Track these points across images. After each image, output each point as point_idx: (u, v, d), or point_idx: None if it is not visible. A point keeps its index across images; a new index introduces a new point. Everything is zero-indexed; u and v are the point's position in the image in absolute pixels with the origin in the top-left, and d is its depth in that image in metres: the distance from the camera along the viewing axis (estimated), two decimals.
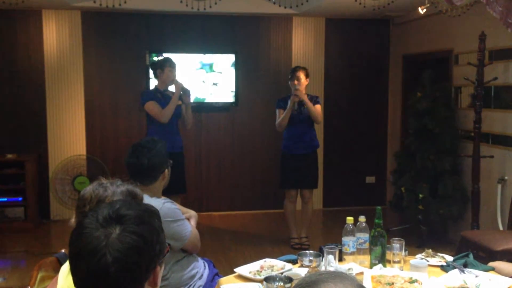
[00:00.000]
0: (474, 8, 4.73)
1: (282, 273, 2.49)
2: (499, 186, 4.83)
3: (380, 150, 7.31)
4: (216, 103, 6.68)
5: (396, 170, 5.93)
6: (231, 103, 6.73)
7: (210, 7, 4.77)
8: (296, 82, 5.11)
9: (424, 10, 4.90)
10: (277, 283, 2.33)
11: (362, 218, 2.80)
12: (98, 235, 1.13)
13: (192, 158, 6.80)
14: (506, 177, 4.82)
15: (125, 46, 6.56)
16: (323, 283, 0.84)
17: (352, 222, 2.77)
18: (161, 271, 1.23)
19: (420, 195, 5.32)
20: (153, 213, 1.24)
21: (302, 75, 5.11)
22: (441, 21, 5.79)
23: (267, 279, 2.36)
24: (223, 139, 6.91)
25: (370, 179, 7.34)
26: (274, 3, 5.62)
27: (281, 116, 5.17)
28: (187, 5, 4.65)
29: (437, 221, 5.38)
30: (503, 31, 4.40)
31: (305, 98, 5.07)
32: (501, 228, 4.68)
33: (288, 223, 5.45)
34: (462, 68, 5.44)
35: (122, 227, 1.15)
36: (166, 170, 2.67)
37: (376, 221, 2.68)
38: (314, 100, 5.20)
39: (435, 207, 5.29)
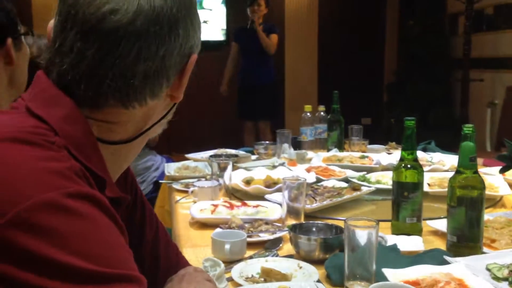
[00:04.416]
0: None
1: None
2: (489, 110, 4.69)
3: (377, 88, 7.08)
4: (207, 41, 6.55)
5: (388, 101, 5.80)
6: (222, 41, 6.60)
7: None
8: (256, 7, 5.00)
9: None
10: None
11: (321, 108, 2.71)
12: None
13: None
14: (496, 101, 4.66)
15: None
16: None
17: (310, 110, 2.67)
18: None
19: None
20: None
21: (262, 2, 5.01)
22: None
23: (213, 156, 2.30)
24: (212, 78, 6.78)
25: (366, 121, 7.17)
26: None
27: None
28: None
29: None
30: None
31: (258, 28, 4.95)
32: (489, 150, 4.55)
33: None
34: None
35: None
36: None
37: (334, 106, 2.59)
38: (270, 28, 5.05)
39: (425, 136, 5.16)
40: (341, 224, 1.32)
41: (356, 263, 1.08)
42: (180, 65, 0.71)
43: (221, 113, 6.84)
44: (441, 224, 1.47)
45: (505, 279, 1.08)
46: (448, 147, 5.09)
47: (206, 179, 2.01)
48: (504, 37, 4.68)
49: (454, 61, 5.20)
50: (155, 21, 0.67)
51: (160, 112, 0.75)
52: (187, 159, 2.45)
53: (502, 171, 1.69)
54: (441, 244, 1.37)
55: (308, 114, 2.66)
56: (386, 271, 1.09)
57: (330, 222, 1.42)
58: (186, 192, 1.92)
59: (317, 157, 2.35)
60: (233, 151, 2.58)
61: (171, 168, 2.28)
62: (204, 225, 1.57)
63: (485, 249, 1.28)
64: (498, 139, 4.35)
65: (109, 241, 0.60)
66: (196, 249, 1.39)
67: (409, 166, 1.39)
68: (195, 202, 1.75)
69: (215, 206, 1.61)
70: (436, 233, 1.46)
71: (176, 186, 2.02)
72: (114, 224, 0.62)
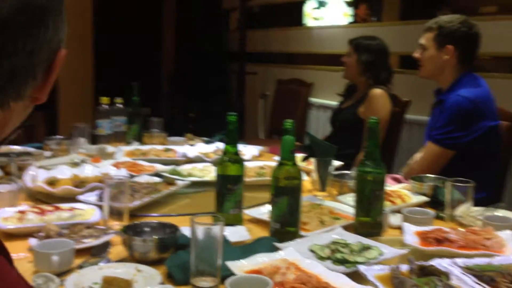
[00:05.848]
0: None
1: None
2: (261, 101, 5.14)
3: (156, 78, 7.10)
4: None
5: (168, 91, 5.89)
6: None
7: None
8: None
9: None
10: None
11: (119, 100, 2.62)
12: None
13: None
14: (267, 93, 5.13)
15: None
16: None
17: (107, 102, 2.56)
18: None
19: (191, 114, 5.37)
20: None
21: None
22: None
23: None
24: None
25: (145, 111, 7.13)
26: None
27: None
28: None
29: None
30: None
31: None
32: (261, 137, 5.00)
33: None
34: None
35: None
36: None
37: (134, 98, 2.53)
38: None
39: (205, 125, 5.40)
40: (163, 220, 1.35)
41: (202, 259, 1.09)
42: (48, 62, 0.62)
43: None
44: (256, 212, 1.58)
45: (328, 257, 1.22)
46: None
47: None
48: (272, 34, 5.18)
49: (231, 54, 5.54)
50: (22, 10, 0.56)
51: (18, 117, 0.63)
52: None
53: (305, 160, 1.89)
54: (260, 231, 1.47)
55: (105, 106, 2.54)
56: (230, 264, 1.13)
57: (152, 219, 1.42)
58: None
59: (120, 152, 2.27)
60: (20, 148, 2.31)
61: None
62: (8, 235, 1.38)
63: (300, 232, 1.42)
64: (270, 128, 4.83)
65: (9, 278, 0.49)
66: None
67: (233, 159, 1.46)
68: None
69: (22, 212, 1.43)
70: (252, 220, 1.56)
71: None
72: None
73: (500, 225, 1.40)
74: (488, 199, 1.89)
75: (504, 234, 1.34)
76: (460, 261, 1.16)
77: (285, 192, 1.35)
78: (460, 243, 1.29)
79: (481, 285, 1.05)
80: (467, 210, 1.49)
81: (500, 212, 1.58)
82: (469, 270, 1.12)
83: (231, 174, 1.46)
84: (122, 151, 2.28)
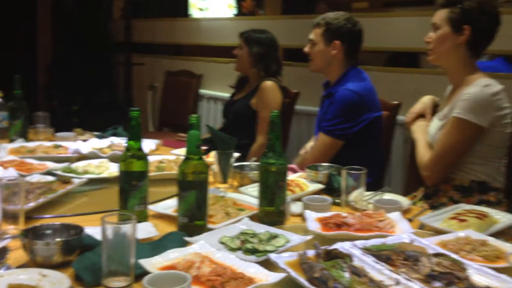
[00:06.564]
0: None
1: None
2: (150, 92, 5.04)
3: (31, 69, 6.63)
4: None
5: (47, 84, 5.54)
6: None
7: None
8: None
9: None
10: None
11: None
12: None
13: None
14: (156, 84, 5.04)
15: None
16: None
17: None
18: None
19: (74, 107, 5.12)
20: None
21: None
22: None
23: None
24: None
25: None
26: None
27: None
28: None
29: None
30: None
31: None
32: (151, 130, 4.91)
33: None
34: None
35: None
36: None
37: (16, 91, 2.36)
38: None
39: (90, 119, 5.17)
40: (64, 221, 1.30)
41: (113, 259, 1.06)
42: None
43: None
44: (160, 207, 1.56)
45: (239, 248, 1.25)
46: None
47: None
48: (158, 24, 5.08)
49: (115, 44, 5.34)
50: None
51: None
52: None
53: (206, 153, 1.89)
54: (166, 226, 1.46)
55: None
56: (142, 262, 1.11)
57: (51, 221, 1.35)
58: None
59: (3, 150, 2.11)
60: None
61: None
62: None
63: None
64: (159, 120, 4.75)
65: None
66: None
67: (137, 155, 1.43)
68: None
69: None
70: (157, 216, 1.54)
71: None
72: None
73: (389, 208, 1.53)
74: (373, 184, 2.05)
75: (393, 216, 1.47)
76: (359, 243, 1.25)
77: (192, 186, 1.36)
78: (357, 226, 1.39)
79: (380, 264, 1.14)
80: (360, 195, 1.60)
81: (388, 196, 1.73)
82: (367, 250, 1.22)
83: (135, 170, 1.43)
84: (5, 149, 2.12)
